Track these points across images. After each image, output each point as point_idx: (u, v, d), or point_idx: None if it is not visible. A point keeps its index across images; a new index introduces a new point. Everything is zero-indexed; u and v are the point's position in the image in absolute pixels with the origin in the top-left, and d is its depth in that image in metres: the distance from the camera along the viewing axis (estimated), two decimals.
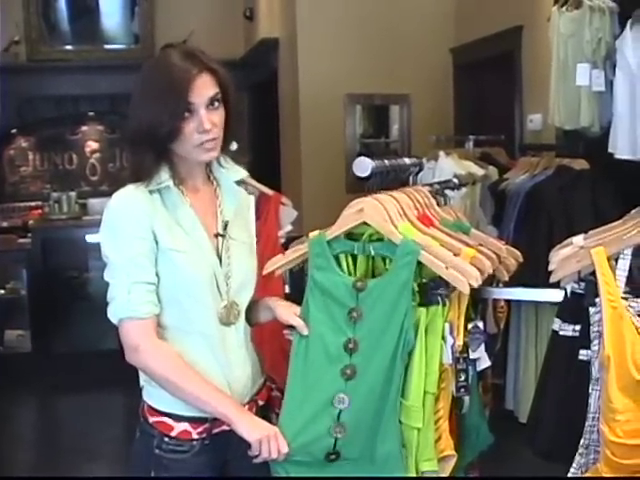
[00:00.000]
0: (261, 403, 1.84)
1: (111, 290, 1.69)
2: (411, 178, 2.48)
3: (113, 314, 1.69)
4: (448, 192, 2.39)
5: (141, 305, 1.67)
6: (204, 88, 1.68)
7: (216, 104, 1.71)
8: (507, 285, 2.04)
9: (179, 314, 1.72)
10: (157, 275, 1.69)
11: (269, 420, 1.80)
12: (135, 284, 1.66)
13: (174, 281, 1.69)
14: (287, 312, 1.84)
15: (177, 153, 1.72)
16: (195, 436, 1.72)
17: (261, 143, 6.90)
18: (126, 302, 1.66)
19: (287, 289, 2.96)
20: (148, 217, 1.68)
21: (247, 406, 1.79)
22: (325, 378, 1.76)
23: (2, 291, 5.99)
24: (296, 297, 3.01)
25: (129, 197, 1.69)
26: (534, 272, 2.11)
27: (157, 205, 1.70)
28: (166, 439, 1.72)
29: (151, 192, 1.70)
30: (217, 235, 1.78)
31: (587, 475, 1.72)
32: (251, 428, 1.70)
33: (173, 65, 1.68)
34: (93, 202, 6.81)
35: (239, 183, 1.88)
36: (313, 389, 1.76)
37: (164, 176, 1.71)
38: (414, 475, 1.71)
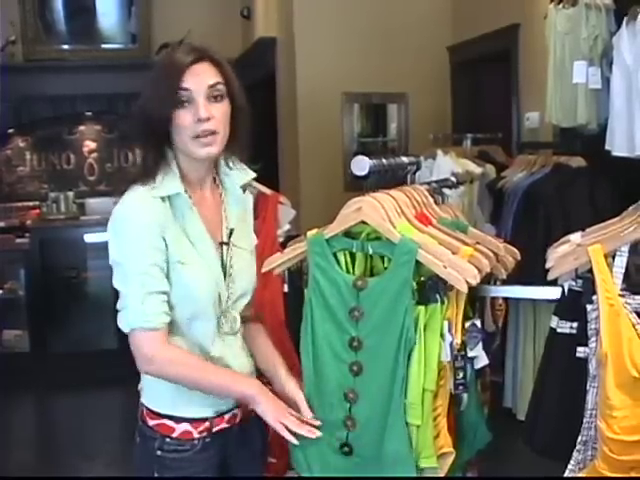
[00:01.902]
0: None
1: (123, 298, 1.65)
2: (409, 177, 2.48)
3: (125, 323, 1.65)
4: (446, 190, 2.39)
5: (155, 316, 1.63)
6: (203, 74, 1.64)
7: (218, 97, 1.66)
8: (505, 283, 2.04)
9: (180, 321, 1.70)
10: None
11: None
12: (149, 294, 1.62)
13: (177, 292, 1.66)
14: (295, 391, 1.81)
15: (179, 148, 1.68)
16: (196, 435, 1.73)
17: (259, 142, 6.88)
18: (140, 312, 1.62)
19: (286, 288, 2.97)
20: (161, 227, 1.64)
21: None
22: (335, 374, 1.79)
23: (0, 291, 5.99)
24: (295, 296, 3.04)
25: (143, 204, 1.64)
26: (532, 270, 2.11)
27: (168, 214, 1.66)
28: (168, 440, 1.72)
29: (162, 199, 1.65)
30: (222, 244, 1.75)
31: (584, 472, 1.73)
32: (271, 409, 1.69)
33: (173, 55, 1.67)
34: (91, 202, 6.81)
35: (245, 187, 1.84)
36: (326, 384, 1.80)
37: (175, 182, 1.67)
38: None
